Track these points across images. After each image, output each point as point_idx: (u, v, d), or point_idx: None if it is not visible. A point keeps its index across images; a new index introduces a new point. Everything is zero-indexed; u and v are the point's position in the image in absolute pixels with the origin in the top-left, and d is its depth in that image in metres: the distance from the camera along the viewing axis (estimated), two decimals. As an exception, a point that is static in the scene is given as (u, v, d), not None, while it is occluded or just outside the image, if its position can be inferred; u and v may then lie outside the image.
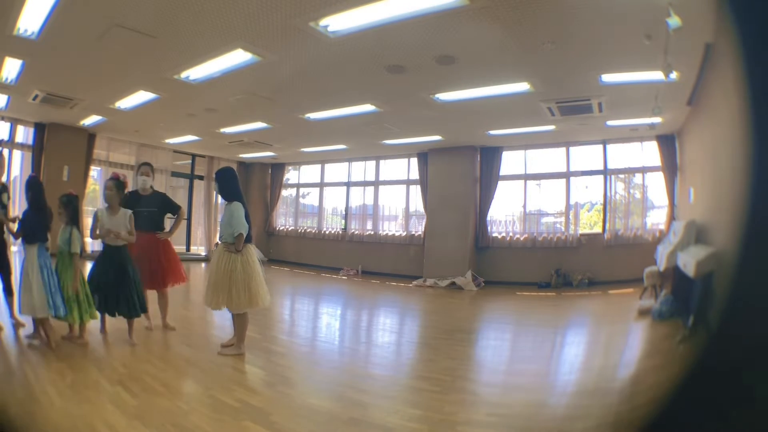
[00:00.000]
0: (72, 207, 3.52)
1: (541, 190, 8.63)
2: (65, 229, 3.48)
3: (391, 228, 10.36)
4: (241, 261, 3.48)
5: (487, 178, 8.76)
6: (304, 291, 7.74)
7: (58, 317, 3.34)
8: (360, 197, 10.85)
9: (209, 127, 8.06)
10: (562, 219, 8.34)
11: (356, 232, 10.59)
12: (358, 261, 10.03)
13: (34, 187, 3.54)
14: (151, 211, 4.12)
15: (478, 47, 4.24)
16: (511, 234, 8.73)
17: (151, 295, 4.07)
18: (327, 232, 11.07)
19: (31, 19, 4.03)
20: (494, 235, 8.80)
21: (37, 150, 8.29)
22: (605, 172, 7.78)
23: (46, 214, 3.48)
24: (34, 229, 3.42)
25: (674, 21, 3.00)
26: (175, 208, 4.32)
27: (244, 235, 3.49)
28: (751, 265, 1.23)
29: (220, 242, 3.63)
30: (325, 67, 4.89)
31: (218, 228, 3.75)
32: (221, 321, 4.28)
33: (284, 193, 12.31)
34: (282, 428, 2.26)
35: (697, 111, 4.95)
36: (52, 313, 3.29)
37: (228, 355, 3.46)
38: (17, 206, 8.26)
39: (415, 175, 9.76)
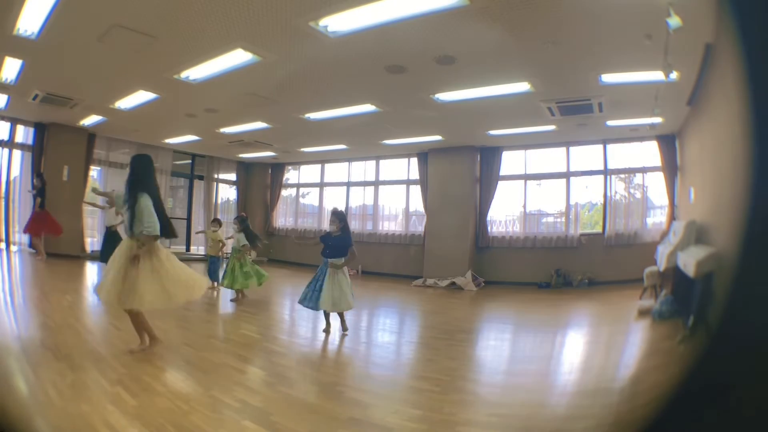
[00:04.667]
0: None
1: (541, 190, 8.62)
2: None
3: (391, 228, 10.35)
4: (152, 260, 3.16)
5: (487, 178, 8.75)
6: (304, 291, 7.72)
7: None
8: (360, 197, 10.86)
9: (209, 127, 8.06)
10: (562, 219, 8.33)
11: (356, 232, 10.58)
12: (358, 261, 10.02)
13: None
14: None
15: (478, 47, 4.24)
16: (511, 234, 8.73)
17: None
18: (327, 232, 11.06)
19: (31, 19, 4.04)
20: (494, 235, 8.79)
21: (37, 150, 8.28)
22: (605, 172, 7.77)
23: None
24: None
25: (674, 21, 3.00)
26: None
27: (158, 238, 3.16)
28: (751, 265, 1.23)
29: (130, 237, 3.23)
30: (325, 67, 4.89)
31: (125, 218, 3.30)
32: (222, 319, 4.27)
33: (284, 193, 12.30)
34: (282, 428, 2.26)
35: (697, 111, 4.94)
36: None
37: (136, 352, 3.22)
38: (16, 205, 8.28)
39: (415, 175, 9.75)
